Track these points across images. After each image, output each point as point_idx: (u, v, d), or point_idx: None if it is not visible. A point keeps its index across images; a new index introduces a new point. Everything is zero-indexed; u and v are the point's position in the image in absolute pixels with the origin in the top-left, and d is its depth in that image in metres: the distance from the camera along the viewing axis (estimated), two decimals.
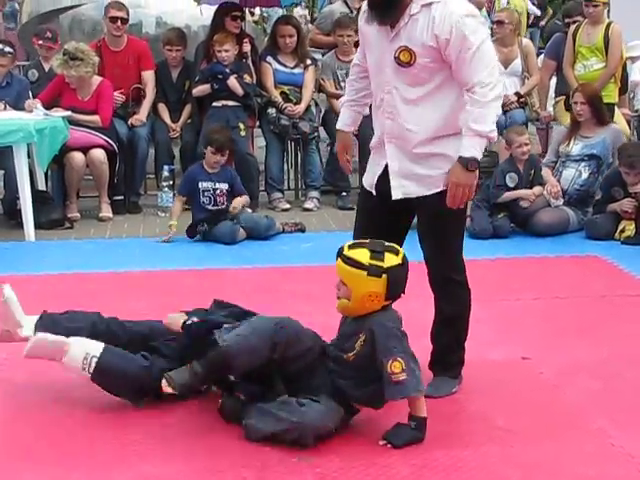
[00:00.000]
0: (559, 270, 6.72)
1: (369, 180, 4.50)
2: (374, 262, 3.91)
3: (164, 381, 4.00)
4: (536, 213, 7.67)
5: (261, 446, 3.90)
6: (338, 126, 4.73)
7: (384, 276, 3.91)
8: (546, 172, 7.91)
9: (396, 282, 3.95)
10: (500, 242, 7.49)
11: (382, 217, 4.44)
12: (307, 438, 3.87)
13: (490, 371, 4.76)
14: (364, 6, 4.38)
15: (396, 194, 4.36)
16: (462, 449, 3.93)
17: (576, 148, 7.94)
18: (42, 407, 4.33)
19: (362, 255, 3.93)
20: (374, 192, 4.45)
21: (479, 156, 4.17)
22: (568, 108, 8.70)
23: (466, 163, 4.15)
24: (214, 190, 7.52)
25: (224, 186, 7.54)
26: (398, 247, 4.06)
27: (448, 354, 4.55)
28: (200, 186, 7.50)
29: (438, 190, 4.27)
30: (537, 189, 7.75)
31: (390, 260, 3.94)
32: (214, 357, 3.96)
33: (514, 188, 7.71)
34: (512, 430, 4.09)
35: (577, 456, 3.88)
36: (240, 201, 7.60)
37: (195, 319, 4.20)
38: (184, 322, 4.23)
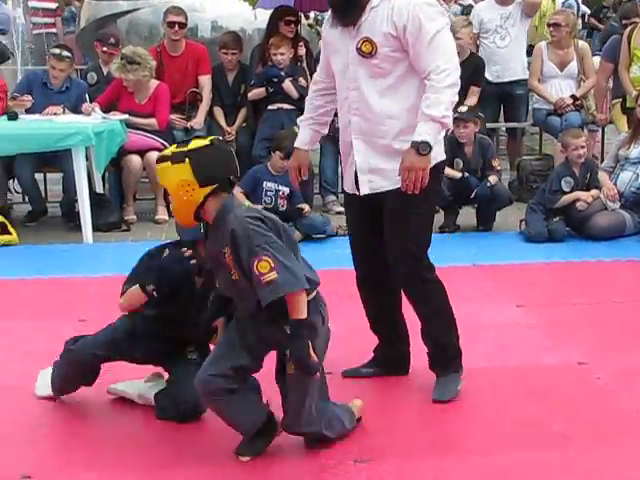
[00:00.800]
0: (615, 274, 6.68)
1: (348, 183, 4.51)
2: (177, 150, 3.72)
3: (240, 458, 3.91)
4: (592, 216, 7.61)
5: (318, 448, 3.94)
6: (296, 144, 4.78)
7: (186, 160, 3.66)
8: (602, 176, 7.84)
9: (202, 163, 3.67)
10: (555, 246, 7.44)
11: (366, 214, 4.46)
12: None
13: (546, 376, 4.75)
14: (328, 15, 4.46)
15: (364, 189, 4.38)
16: (518, 453, 3.93)
17: (635, 151, 7.86)
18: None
19: (170, 149, 3.79)
20: (357, 192, 4.42)
21: (432, 141, 4.11)
22: (625, 111, 8.63)
23: (417, 146, 4.10)
24: (276, 191, 7.65)
25: (286, 189, 7.66)
26: (219, 137, 3.92)
27: (442, 351, 4.51)
28: (264, 185, 7.65)
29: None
30: (594, 192, 7.69)
31: (195, 144, 3.73)
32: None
33: (570, 192, 7.67)
34: (568, 435, 4.09)
35: (634, 462, 3.86)
36: (309, 209, 7.77)
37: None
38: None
